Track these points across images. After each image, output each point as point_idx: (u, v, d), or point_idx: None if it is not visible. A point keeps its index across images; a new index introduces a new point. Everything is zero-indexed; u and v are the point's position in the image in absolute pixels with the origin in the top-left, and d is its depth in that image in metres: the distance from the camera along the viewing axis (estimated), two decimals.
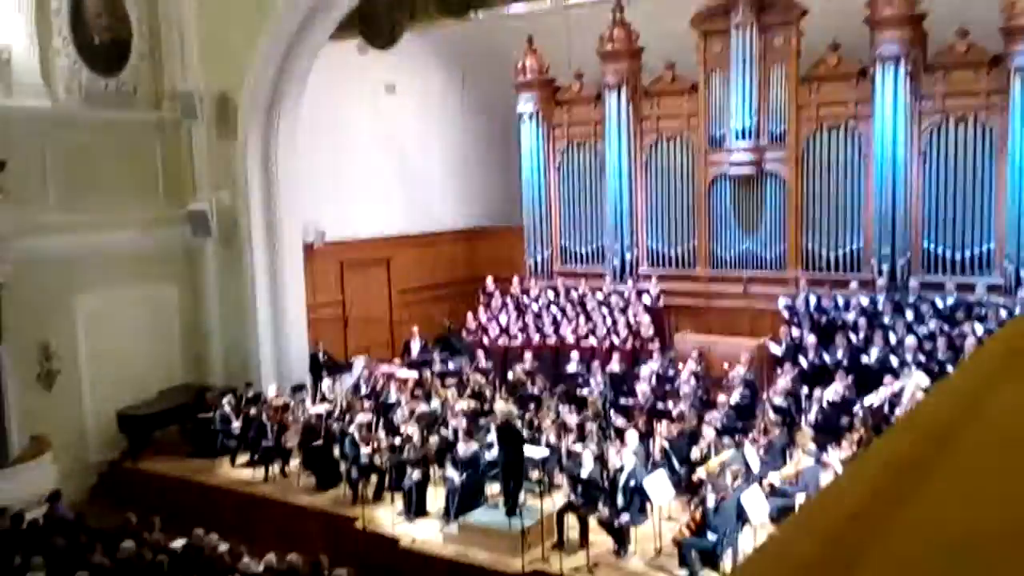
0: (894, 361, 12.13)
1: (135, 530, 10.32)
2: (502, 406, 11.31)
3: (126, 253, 14.26)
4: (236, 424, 13.10)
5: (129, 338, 14.37)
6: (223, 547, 9.73)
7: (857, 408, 11.10)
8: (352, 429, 11.70)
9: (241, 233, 14.99)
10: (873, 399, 11.23)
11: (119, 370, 14.07)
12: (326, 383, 13.81)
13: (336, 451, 12.00)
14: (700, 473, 9.95)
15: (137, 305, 14.63)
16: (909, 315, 13.03)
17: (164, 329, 15.10)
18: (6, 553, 9.41)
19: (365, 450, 11.41)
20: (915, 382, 11.25)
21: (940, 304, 13.09)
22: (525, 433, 11.19)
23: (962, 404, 0.78)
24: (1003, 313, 12.43)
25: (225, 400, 13.36)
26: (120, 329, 14.25)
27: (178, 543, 10.07)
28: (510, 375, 13.97)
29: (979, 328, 12.22)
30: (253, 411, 13.00)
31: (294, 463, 12.48)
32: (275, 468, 12.53)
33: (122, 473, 13.64)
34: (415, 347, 15.58)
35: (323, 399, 13.36)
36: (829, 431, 10.72)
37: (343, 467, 11.76)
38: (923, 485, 0.71)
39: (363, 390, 13.72)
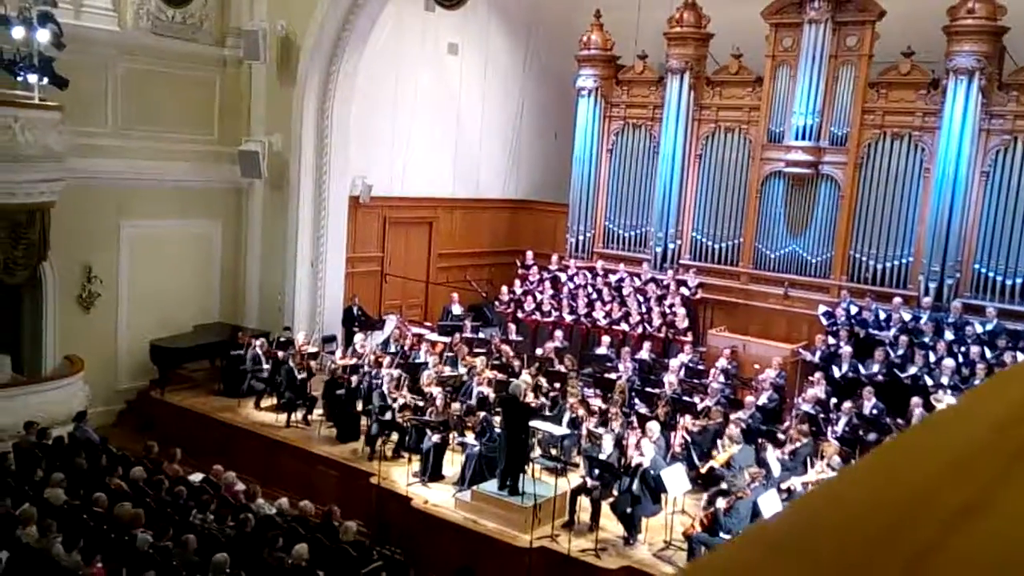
0: (928, 381, 11.90)
1: (156, 459, 10.53)
2: (519, 380, 11.23)
3: (175, 185, 14.42)
4: (267, 366, 13.24)
5: (170, 270, 14.56)
6: (240, 486, 9.90)
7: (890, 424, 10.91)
8: (384, 382, 11.75)
9: (290, 178, 15.06)
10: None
11: (156, 300, 14.28)
12: (358, 337, 13.88)
13: (360, 405, 12.09)
14: (710, 464, 9.93)
15: (181, 238, 14.81)
16: (949, 335, 12.76)
17: (204, 265, 15.27)
18: (29, 466, 9.64)
19: (393, 405, 11.48)
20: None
21: (979, 328, 12.79)
22: (547, 410, 11.19)
23: None
24: None
25: (258, 342, 13.50)
26: (162, 260, 14.44)
27: (196, 476, 10.26)
28: (539, 351, 13.94)
29: (1020, 357, 11.92)
30: (281, 355, 13.11)
31: (318, 412, 12.61)
32: (298, 415, 12.68)
33: (149, 402, 13.87)
34: (455, 313, 15.61)
35: (353, 353, 13.44)
36: (855, 445, 10.56)
37: (364, 422, 11.85)
38: None
39: (392, 348, 13.77)
